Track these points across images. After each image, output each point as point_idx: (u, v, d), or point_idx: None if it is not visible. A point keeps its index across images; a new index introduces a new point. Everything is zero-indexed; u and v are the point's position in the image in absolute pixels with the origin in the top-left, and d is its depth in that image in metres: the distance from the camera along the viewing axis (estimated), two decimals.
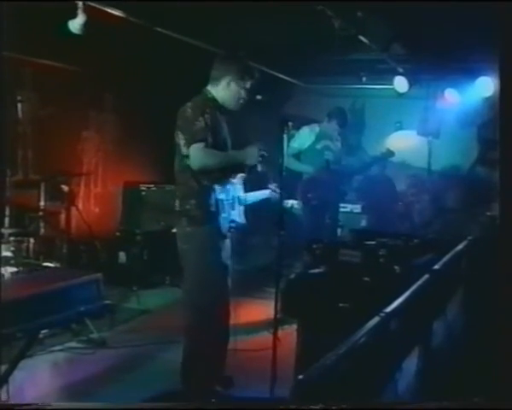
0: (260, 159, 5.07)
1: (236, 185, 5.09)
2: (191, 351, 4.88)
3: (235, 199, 5.07)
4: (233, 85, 4.94)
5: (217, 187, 4.82)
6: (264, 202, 5.76)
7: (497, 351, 3.24)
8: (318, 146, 7.93)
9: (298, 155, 7.91)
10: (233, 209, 5.03)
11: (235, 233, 5.10)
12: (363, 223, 9.90)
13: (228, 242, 5.01)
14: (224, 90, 4.95)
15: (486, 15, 5.98)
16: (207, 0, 6.77)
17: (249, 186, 5.37)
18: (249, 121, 7.16)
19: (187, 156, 4.72)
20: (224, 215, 4.88)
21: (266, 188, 5.84)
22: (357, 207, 10.02)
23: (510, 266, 3.14)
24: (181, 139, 4.78)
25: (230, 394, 5.09)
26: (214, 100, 4.96)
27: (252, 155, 5.05)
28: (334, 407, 2.34)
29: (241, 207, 5.16)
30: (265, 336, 5.47)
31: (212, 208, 4.79)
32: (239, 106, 5.05)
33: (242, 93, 4.99)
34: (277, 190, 5.48)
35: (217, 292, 4.89)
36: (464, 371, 4.30)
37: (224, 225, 4.90)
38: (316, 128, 8.04)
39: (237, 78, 4.93)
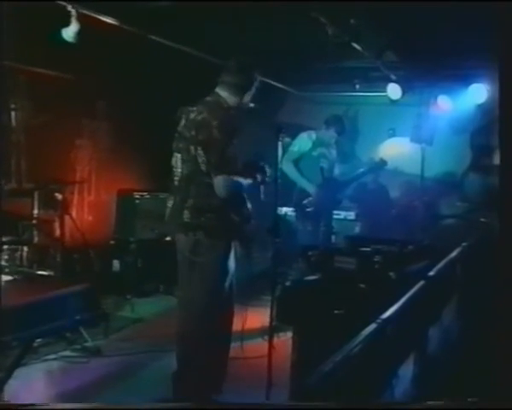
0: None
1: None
2: (189, 360, 4.88)
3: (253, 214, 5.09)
4: (250, 97, 5.01)
5: (238, 202, 4.86)
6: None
7: (493, 356, 3.25)
8: (315, 153, 7.95)
9: (296, 161, 7.92)
10: (249, 222, 5.04)
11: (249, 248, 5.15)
12: (358, 230, 9.91)
13: (234, 252, 5.02)
14: (241, 99, 4.97)
15: (480, 22, 6.01)
16: (201, 0, 6.76)
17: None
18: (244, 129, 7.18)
19: (207, 175, 4.70)
20: (245, 229, 4.90)
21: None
22: (350, 215, 10.03)
23: (506, 272, 3.15)
24: (201, 156, 4.72)
25: (224, 400, 5.08)
26: (229, 108, 4.94)
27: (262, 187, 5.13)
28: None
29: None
30: (261, 344, 5.46)
31: (231, 224, 4.80)
32: (246, 110, 5.10)
33: (250, 99, 5.07)
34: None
35: (225, 302, 4.90)
36: (460, 376, 4.30)
37: (240, 242, 4.93)
38: (313, 135, 8.06)
39: (253, 88, 5.01)
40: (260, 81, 5.12)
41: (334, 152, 8.12)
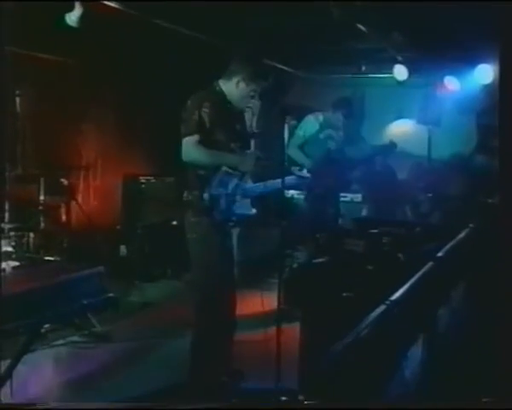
0: (256, 164, 5.04)
1: (235, 176, 5.01)
2: (198, 341, 4.89)
3: (238, 191, 5.00)
4: (242, 85, 4.88)
5: (215, 179, 4.80)
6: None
7: (502, 338, 3.23)
8: (321, 135, 7.88)
9: (302, 145, 7.86)
10: (234, 202, 4.97)
11: (237, 226, 5.08)
12: (365, 212, 9.87)
13: (232, 233, 5.00)
14: (232, 87, 4.90)
15: (486, 3, 5.96)
16: None
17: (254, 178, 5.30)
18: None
19: None
20: (223, 209, 4.85)
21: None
22: (358, 197, 9.98)
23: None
24: (182, 130, 4.78)
25: (236, 385, 5.08)
26: (222, 94, 4.91)
27: (247, 161, 4.97)
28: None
29: (247, 199, 5.07)
30: (269, 327, 5.45)
31: (211, 201, 4.77)
32: (244, 105, 5.05)
33: (252, 94, 4.96)
34: (305, 174, 5.34)
35: (221, 282, 4.88)
36: (469, 358, 4.29)
37: (223, 218, 4.87)
38: (320, 117, 7.98)
39: (247, 79, 4.87)
40: (271, 84, 5.08)
41: (341, 134, 8.05)
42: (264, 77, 5.03)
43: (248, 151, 5.07)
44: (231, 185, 4.93)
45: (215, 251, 4.84)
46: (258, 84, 4.96)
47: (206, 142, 4.69)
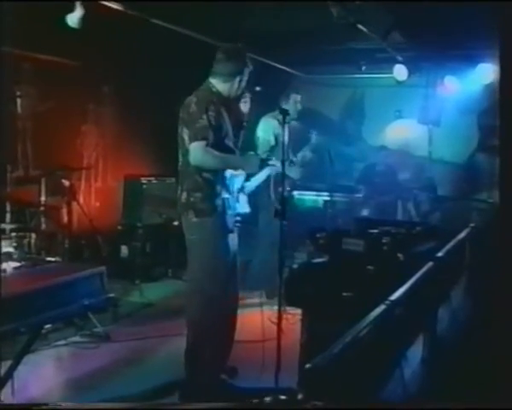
0: (259, 166, 5.14)
1: (239, 177, 5.10)
2: (196, 341, 4.90)
3: (239, 191, 5.09)
4: (243, 84, 5.02)
5: (220, 181, 4.86)
6: (267, 179, 5.70)
7: (501, 337, 3.24)
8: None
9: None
10: (238, 202, 5.05)
11: (241, 227, 5.12)
12: (365, 212, 9.87)
13: (234, 234, 5.04)
14: (231, 86, 4.99)
15: (486, 2, 5.97)
16: None
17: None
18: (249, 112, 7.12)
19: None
20: (228, 210, 4.90)
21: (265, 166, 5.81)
22: (358, 197, 9.98)
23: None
24: (185, 134, 4.82)
25: (235, 383, 5.09)
26: (219, 93, 4.97)
27: (251, 163, 5.14)
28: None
29: (245, 197, 5.17)
30: (269, 327, 5.46)
31: (216, 202, 4.82)
32: (239, 96, 5.12)
33: (244, 85, 5.06)
34: (276, 164, 5.58)
35: (223, 282, 4.90)
36: (469, 358, 4.30)
37: (230, 220, 4.92)
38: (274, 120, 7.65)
39: (245, 74, 5.01)
40: (253, 68, 5.12)
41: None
42: (253, 65, 5.12)
43: (251, 153, 5.16)
44: (236, 186, 5.00)
45: (218, 251, 4.88)
46: (249, 74, 5.08)
47: (213, 145, 4.72)
